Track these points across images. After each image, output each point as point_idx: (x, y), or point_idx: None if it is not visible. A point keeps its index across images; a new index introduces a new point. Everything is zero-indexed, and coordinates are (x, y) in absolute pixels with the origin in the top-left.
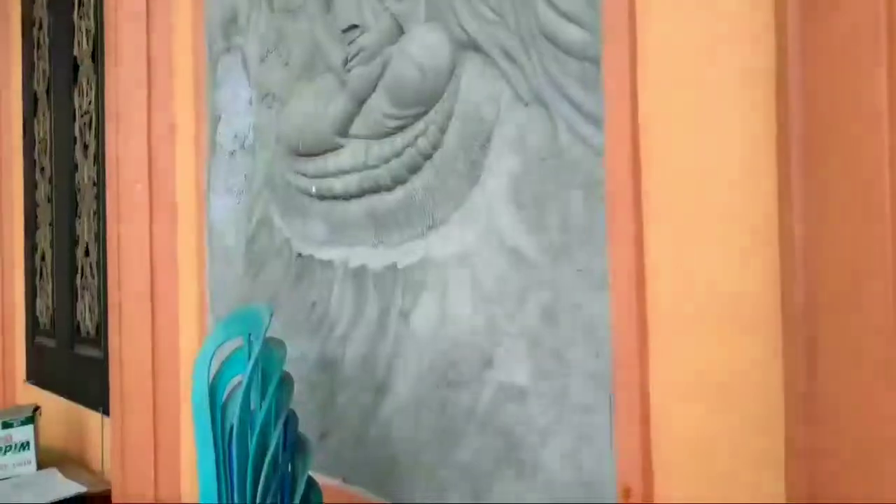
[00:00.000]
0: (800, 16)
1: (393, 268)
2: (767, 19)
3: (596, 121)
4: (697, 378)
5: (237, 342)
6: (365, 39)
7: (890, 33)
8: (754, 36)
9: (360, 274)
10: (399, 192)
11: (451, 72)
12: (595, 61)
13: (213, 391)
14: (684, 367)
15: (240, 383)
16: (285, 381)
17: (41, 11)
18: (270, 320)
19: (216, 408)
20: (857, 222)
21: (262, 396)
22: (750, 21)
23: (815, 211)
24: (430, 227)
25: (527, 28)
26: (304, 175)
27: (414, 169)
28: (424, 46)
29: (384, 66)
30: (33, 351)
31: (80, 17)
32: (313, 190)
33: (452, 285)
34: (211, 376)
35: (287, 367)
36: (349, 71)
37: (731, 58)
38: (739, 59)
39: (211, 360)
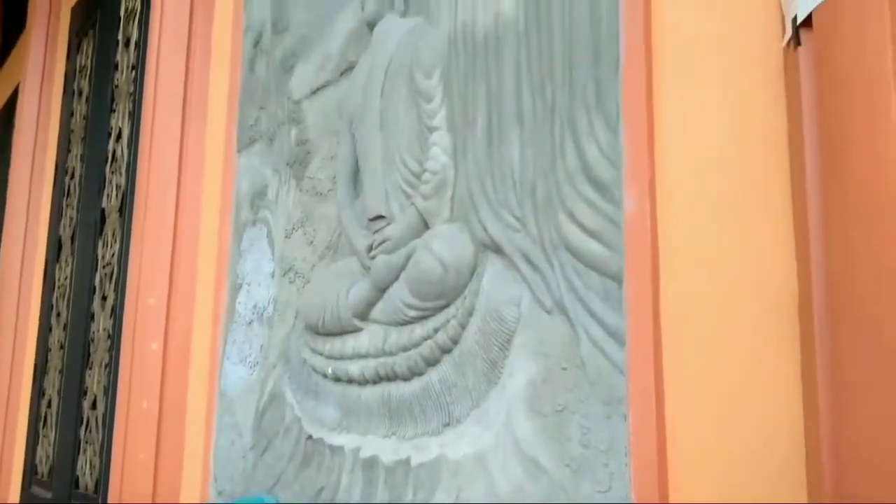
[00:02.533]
0: (821, 235)
1: (406, 463)
2: (788, 239)
3: (618, 337)
4: None
5: None
6: (390, 230)
7: None
8: (776, 258)
9: (371, 465)
10: (416, 384)
11: (473, 270)
12: (617, 278)
13: None
14: None
15: None
16: None
17: (75, 162)
18: None
19: None
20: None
21: None
22: (770, 242)
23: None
24: (445, 424)
25: (549, 238)
26: (321, 354)
27: (432, 362)
28: (448, 244)
29: (407, 258)
30: (27, 501)
31: (112, 172)
32: (329, 371)
33: (467, 490)
34: None
35: None
36: (373, 258)
37: (755, 282)
38: (763, 284)
39: None
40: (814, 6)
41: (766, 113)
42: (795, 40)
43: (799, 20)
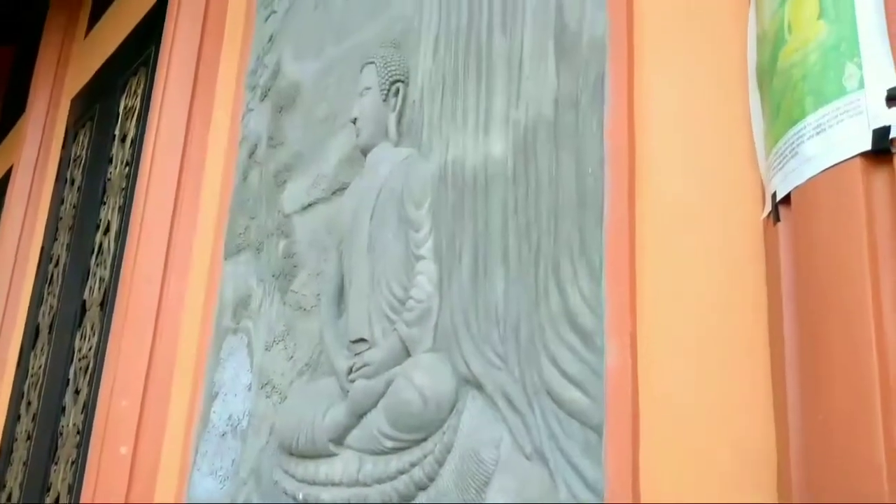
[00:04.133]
0: (799, 400)
1: None
2: (767, 398)
3: (597, 491)
4: None
5: None
6: (371, 355)
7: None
8: (755, 418)
9: None
10: None
11: (453, 405)
12: (598, 430)
13: None
14: None
15: None
16: None
17: (61, 250)
18: None
19: None
20: None
21: None
22: (749, 403)
23: None
24: None
25: (530, 381)
26: (293, 477)
27: (407, 498)
28: (429, 376)
29: (387, 385)
30: None
31: (97, 265)
32: (300, 496)
33: None
34: None
35: None
36: (352, 381)
37: (734, 441)
38: (741, 444)
39: None
40: (792, 187)
41: (747, 278)
42: (775, 215)
43: (778, 197)
